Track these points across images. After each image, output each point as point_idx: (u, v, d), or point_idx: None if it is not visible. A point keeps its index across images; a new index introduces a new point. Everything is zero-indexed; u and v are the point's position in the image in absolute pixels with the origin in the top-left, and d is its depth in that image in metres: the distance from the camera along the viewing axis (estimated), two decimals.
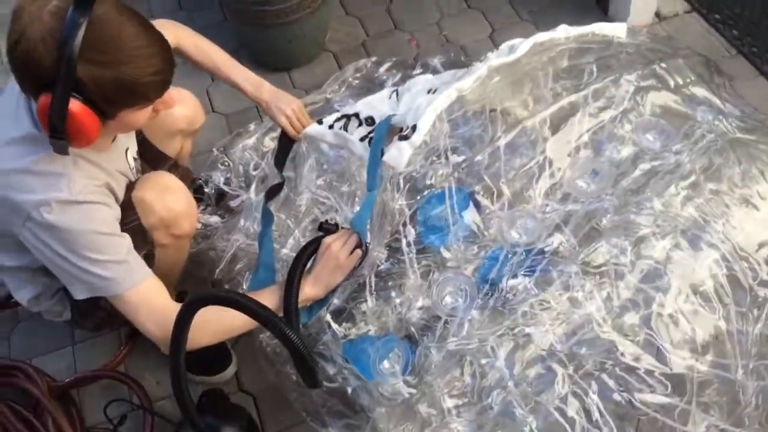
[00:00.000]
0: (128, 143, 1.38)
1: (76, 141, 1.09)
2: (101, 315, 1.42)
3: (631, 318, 1.20)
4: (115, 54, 1.05)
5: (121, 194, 1.30)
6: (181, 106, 1.52)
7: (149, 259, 1.30)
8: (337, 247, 1.31)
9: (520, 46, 1.43)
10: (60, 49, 1.01)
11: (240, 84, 1.51)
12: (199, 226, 1.70)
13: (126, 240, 1.23)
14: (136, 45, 1.07)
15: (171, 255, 1.40)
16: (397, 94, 1.61)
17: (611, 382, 1.16)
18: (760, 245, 1.27)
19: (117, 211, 1.25)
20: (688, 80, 1.50)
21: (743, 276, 1.24)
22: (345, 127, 1.55)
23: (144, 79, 1.09)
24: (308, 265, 1.34)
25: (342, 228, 1.39)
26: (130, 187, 1.33)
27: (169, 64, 1.13)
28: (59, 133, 1.06)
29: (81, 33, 1.00)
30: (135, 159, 1.40)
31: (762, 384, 1.20)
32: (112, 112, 1.11)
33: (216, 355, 1.61)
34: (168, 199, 1.32)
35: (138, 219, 1.30)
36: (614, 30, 1.53)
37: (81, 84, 1.04)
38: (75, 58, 1.01)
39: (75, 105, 1.05)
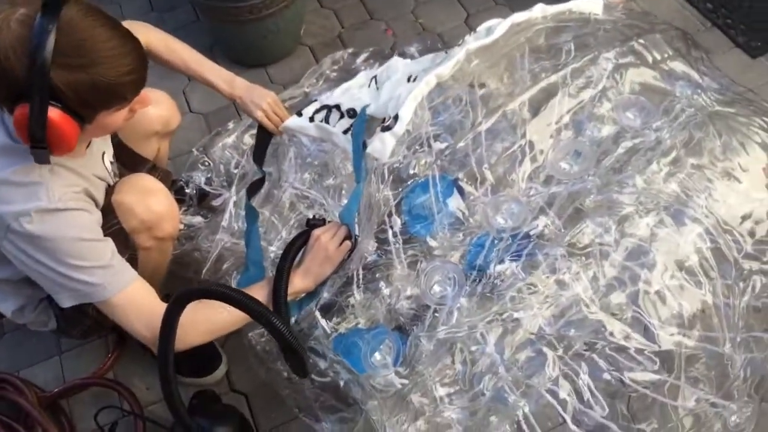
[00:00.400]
0: (104, 147, 1.36)
1: (58, 149, 1.08)
2: (88, 322, 1.41)
3: (618, 297, 1.20)
4: (88, 57, 1.04)
5: (100, 199, 1.28)
6: (157, 108, 1.50)
7: (132, 262, 1.28)
8: (326, 238, 1.30)
9: (498, 27, 1.43)
10: (31, 58, 0.99)
11: (213, 81, 1.49)
12: (181, 227, 1.68)
13: (109, 244, 1.21)
14: (108, 46, 1.05)
15: (154, 258, 1.38)
16: (375, 81, 1.60)
17: (601, 362, 1.16)
18: (744, 218, 1.27)
19: (98, 216, 1.24)
20: (666, 55, 1.50)
21: (728, 249, 1.24)
22: (326, 119, 1.54)
23: (120, 79, 1.08)
24: (298, 257, 1.33)
25: (330, 222, 1.38)
26: (110, 191, 1.31)
27: (142, 61, 1.12)
28: (40, 143, 1.05)
29: (51, 39, 0.99)
30: (112, 163, 1.38)
31: (750, 356, 1.21)
32: (90, 116, 1.10)
33: (206, 356, 1.60)
34: (149, 201, 1.30)
35: (119, 223, 1.28)
36: (591, 7, 1.52)
37: (57, 91, 1.03)
38: (48, 65, 1.00)
39: (54, 113, 1.03)
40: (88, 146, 1.27)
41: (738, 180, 1.30)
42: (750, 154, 1.34)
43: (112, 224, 1.27)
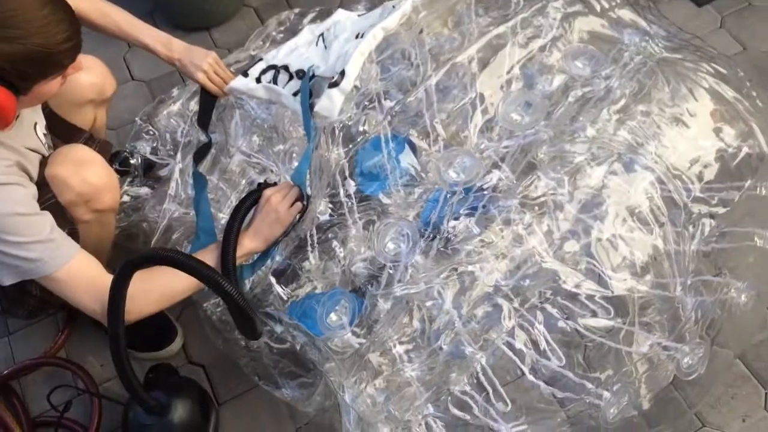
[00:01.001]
0: (35, 118, 1.29)
1: None
2: (33, 302, 1.36)
3: (572, 246, 1.20)
4: (22, 27, 1.02)
5: (34, 172, 1.23)
6: (89, 75, 1.43)
7: (73, 237, 1.23)
8: (277, 199, 1.27)
9: None
10: None
11: (149, 44, 1.43)
12: (128, 198, 1.63)
13: (47, 218, 1.16)
14: (41, 14, 1.04)
15: (95, 231, 1.33)
16: (323, 39, 1.55)
17: (555, 311, 1.17)
18: (692, 162, 1.29)
19: (33, 190, 1.19)
20: (614, 3, 1.49)
21: (678, 195, 1.26)
22: (274, 80, 1.49)
23: (57, 48, 1.06)
24: (248, 217, 1.30)
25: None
26: (44, 163, 1.25)
27: (77, 26, 1.10)
28: None
29: None
30: (45, 134, 1.32)
31: (700, 299, 1.23)
32: (26, 88, 1.08)
33: (161, 330, 1.57)
34: (84, 173, 1.25)
35: (55, 196, 1.23)
36: None
37: None
38: None
39: None
40: (17, 117, 1.20)
41: (686, 125, 1.31)
42: (698, 99, 1.35)
43: (48, 198, 1.22)
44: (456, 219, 1.30)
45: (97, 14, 1.40)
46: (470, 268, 1.20)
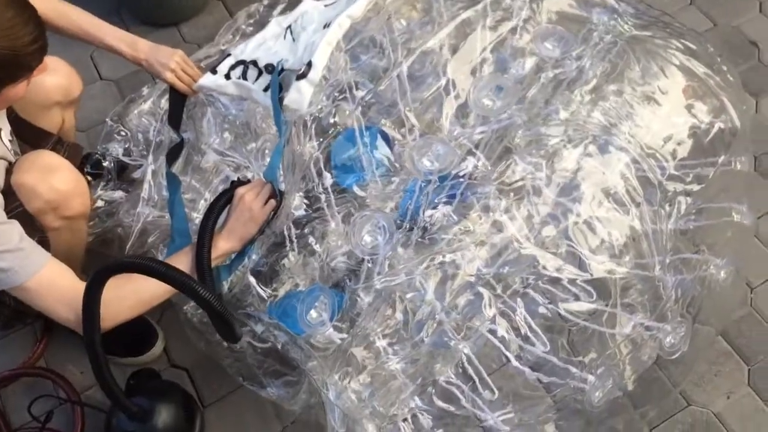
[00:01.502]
0: (0, 124, 1.26)
1: None
2: (7, 312, 1.35)
3: (550, 231, 1.19)
4: None
5: (0, 180, 1.21)
6: (54, 76, 1.39)
7: (43, 245, 1.21)
8: (250, 197, 1.25)
9: None
10: None
11: (113, 45, 1.40)
12: (101, 203, 1.60)
13: (15, 227, 1.14)
14: (7, 17, 1.03)
15: (66, 239, 1.30)
16: (291, 32, 1.52)
17: (537, 296, 1.16)
18: (666, 140, 1.28)
19: None
20: None
21: (652, 174, 1.25)
22: (244, 76, 1.46)
23: (25, 50, 1.07)
24: (222, 217, 1.28)
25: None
26: (11, 170, 1.23)
27: (42, 28, 1.10)
28: None
29: None
30: (11, 140, 1.29)
31: (680, 277, 1.23)
32: None
33: (141, 334, 1.55)
34: (52, 179, 1.22)
35: (22, 204, 1.20)
36: None
37: None
38: None
39: None
40: None
41: (658, 103, 1.31)
42: (669, 77, 1.34)
43: (15, 206, 1.19)
44: (433, 208, 1.29)
45: (55, 15, 1.37)
46: (450, 257, 1.19)
